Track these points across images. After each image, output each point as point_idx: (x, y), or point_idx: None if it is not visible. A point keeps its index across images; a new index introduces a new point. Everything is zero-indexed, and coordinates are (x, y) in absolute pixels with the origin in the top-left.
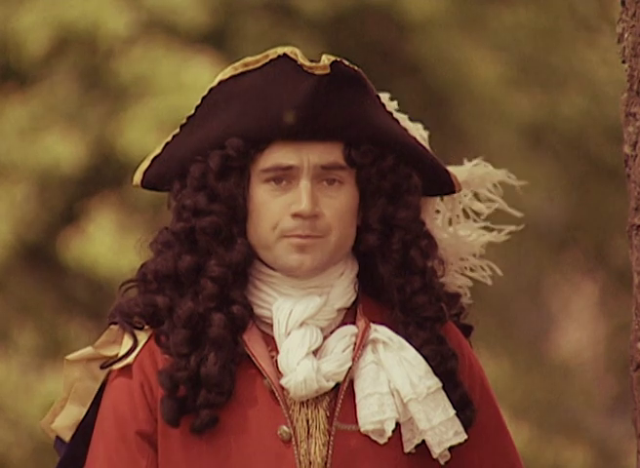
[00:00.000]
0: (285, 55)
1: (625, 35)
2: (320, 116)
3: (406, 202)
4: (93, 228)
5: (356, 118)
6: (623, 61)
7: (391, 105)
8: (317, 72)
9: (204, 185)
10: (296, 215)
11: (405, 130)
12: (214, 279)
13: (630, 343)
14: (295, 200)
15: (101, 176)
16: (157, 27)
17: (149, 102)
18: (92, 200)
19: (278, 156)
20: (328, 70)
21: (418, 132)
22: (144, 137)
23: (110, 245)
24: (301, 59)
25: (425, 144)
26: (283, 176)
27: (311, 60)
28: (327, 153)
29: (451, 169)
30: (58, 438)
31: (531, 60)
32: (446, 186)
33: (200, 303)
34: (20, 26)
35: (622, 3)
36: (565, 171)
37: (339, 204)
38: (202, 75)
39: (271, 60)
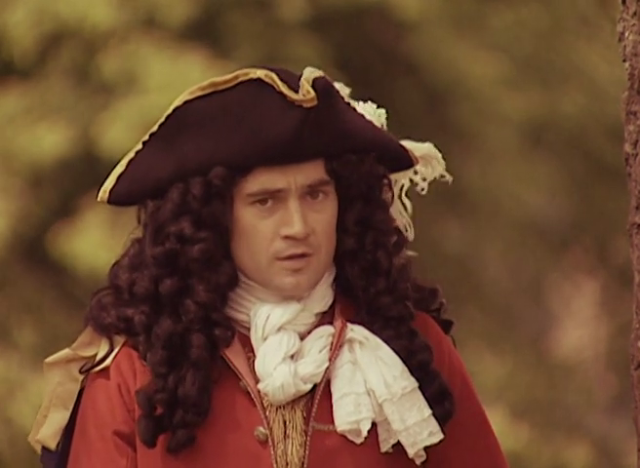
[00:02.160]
0: (259, 79)
1: (626, 34)
2: (307, 142)
3: (381, 202)
4: (84, 224)
5: (337, 133)
6: (624, 60)
7: (346, 93)
8: (305, 105)
9: (186, 211)
10: (287, 238)
11: (362, 117)
12: (200, 304)
13: (631, 342)
14: (284, 222)
15: (93, 173)
16: (148, 24)
17: (139, 99)
18: (84, 196)
19: (264, 181)
20: (316, 102)
21: (373, 112)
22: (134, 134)
23: (101, 241)
24: (282, 88)
25: (381, 123)
26: (269, 198)
27: (289, 86)
28: (312, 172)
29: (407, 144)
30: (44, 450)
31: (531, 59)
32: (406, 162)
33: (180, 323)
34: (11, 21)
35: (623, 2)
36: (566, 170)
37: (326, 217)
38: (193, 72)
39: (242, 82)
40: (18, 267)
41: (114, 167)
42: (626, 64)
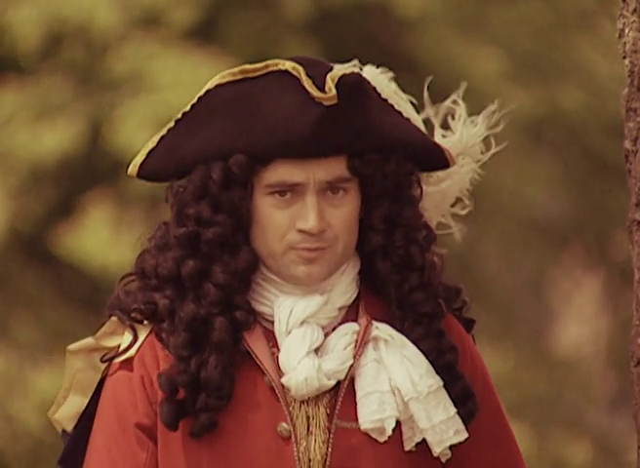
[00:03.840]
0: (287, 71)
1: (626, 31)
2: (326, 138)
3: (409, 199)
4: (88, 222)
5: (361, 130)
6: (624, 57)
7: (391, 87)
8: (325, 103)
9: (206, 194)
10: (302, 231)
11: (400, 114)
12: (218, 286)
13: (631, 339)
14: (300, 215)
15: (97, 170)
16: (153, 23)
17: (145, 98)
18: (87, 193)
19: (283, 173)
20: (335, 101)
21: (404, 98)
22: (139, 133)
23: (106, 238)
24: (306, 83)
25: (419, 121)
26: (288, 190)
27: (313, 81)
28: (332, 168)
29: (445, 143)
30: (64, 430)
31: (531, 56)
32: (441, 162)
33: (202, 307)
34: (16, 20)
35: None
36: (566, 166)
37: (344, 213)
38: (198, 71)
39: (271, 72)
40: (18, 264)
41: (131, 160)
42: (626, 61)
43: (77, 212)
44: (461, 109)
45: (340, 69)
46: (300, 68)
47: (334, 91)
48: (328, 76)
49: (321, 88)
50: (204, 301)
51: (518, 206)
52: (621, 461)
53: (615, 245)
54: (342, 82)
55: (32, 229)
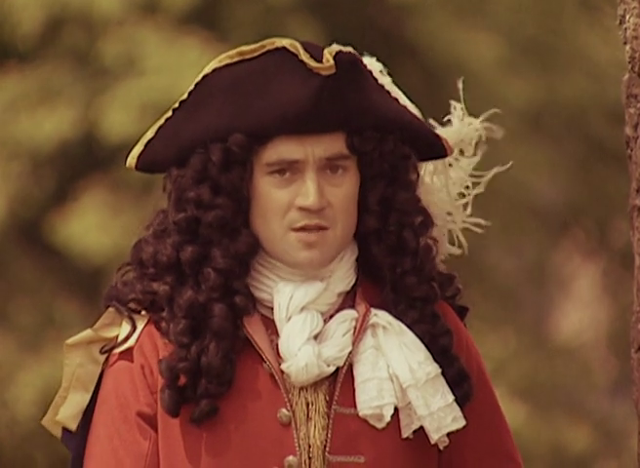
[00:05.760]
0: (284, 48)
1: (627, 17)
2: (325, 112)
3: (405, 183)
4: (83, 208)
5: (359, 107)
6: (625, 43)
7: (387, 78)
8: (323, 73)
9: (206, 177)
10: (302, 209)
11: (397, 101)
12: (219, 270)
13: (632, 324)
14: (300, 192)
15: (96, 156)
16: (147, 8)
17: (138, 82)
18: (83, 179)
19: (282, 151)
20: (333, 70)
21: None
22: (135, 117)
23: (105, 224)
24: (303, 56)
25: (416, 110)
26: (287, 169)
27: (311, 55)
28: (331, 145)
29: (442, 132)
30: (64, 431)
31: (531, 42)
32: (438, 151)
33: (201, 293)
34: (15, 4)
35: None
36: (566, 153)
37: (344, 192)
38: (190, 56)
39: (268, 51)
40: (16, 250)
41: (129, 151)
42: (627, 47)
43: (76, 197)
44: (460, 105)
45: (336, 46)
46: (298, 44)
47: (331, 61)
48: (325, 50)
49: (319, 60)
50: (204, 286)
51: (518, 192)
52: (622, 447)
53: (615, 231)
54: (340, 56)
55: (31, 215)
